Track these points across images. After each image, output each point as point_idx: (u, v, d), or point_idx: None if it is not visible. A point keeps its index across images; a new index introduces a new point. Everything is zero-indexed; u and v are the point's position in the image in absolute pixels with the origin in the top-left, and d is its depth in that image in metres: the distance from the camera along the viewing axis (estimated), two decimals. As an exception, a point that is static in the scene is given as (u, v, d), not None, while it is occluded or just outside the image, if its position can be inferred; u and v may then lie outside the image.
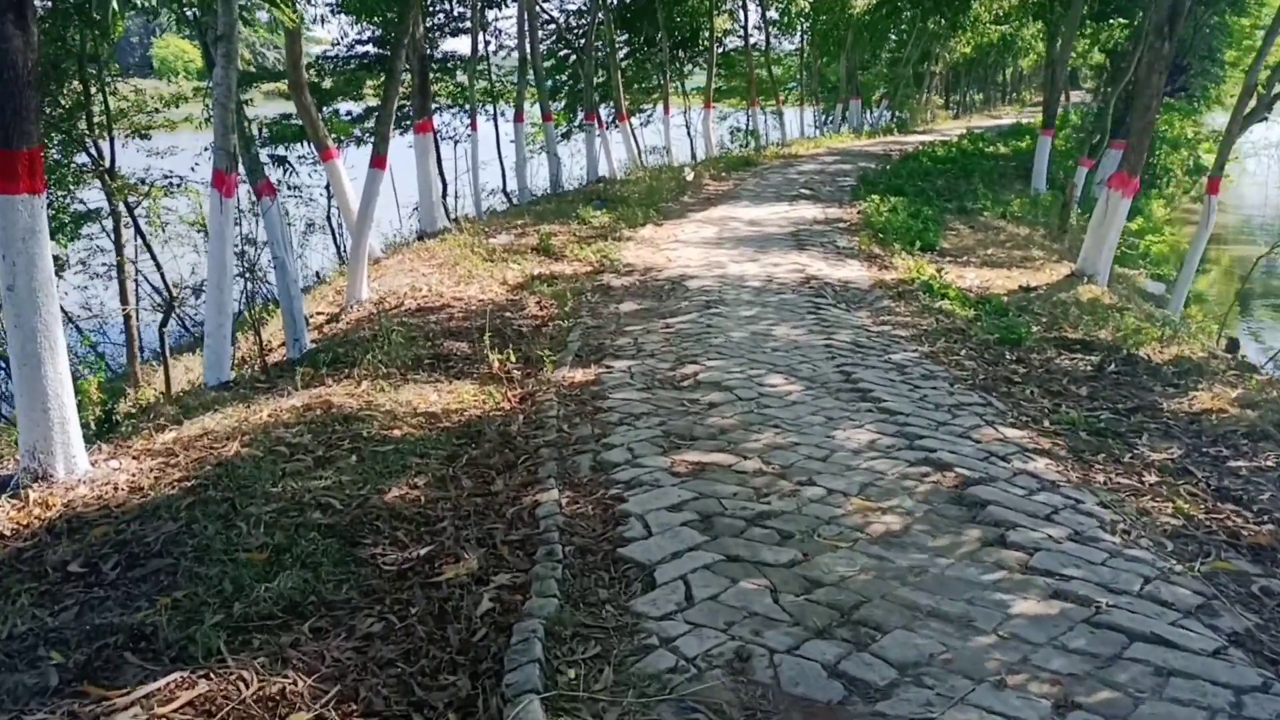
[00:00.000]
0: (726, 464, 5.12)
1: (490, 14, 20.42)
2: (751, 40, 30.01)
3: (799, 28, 30.51)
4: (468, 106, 18.54)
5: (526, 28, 17.39)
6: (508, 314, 9.05)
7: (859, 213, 15.22)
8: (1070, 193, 15.43)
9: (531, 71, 17.66)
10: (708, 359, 7.24)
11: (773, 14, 30.53)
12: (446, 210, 14.39)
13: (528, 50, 17.46)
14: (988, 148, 26.47)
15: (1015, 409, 6.32)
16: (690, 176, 19.33)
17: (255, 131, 7.81)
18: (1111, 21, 16.23)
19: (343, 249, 17.01)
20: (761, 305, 9.11)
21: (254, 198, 8.29)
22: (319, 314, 10.09)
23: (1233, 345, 8.99)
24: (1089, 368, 7.47)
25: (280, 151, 15.78)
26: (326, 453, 5.24)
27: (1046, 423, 6.07)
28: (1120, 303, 10.53)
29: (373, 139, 9.72)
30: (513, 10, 22.28)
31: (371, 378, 6.78)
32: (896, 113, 39.76)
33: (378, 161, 9.73)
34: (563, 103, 25.79)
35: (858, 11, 28.92)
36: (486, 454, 5.42)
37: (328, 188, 15.62)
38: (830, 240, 12.76)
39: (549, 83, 21.86)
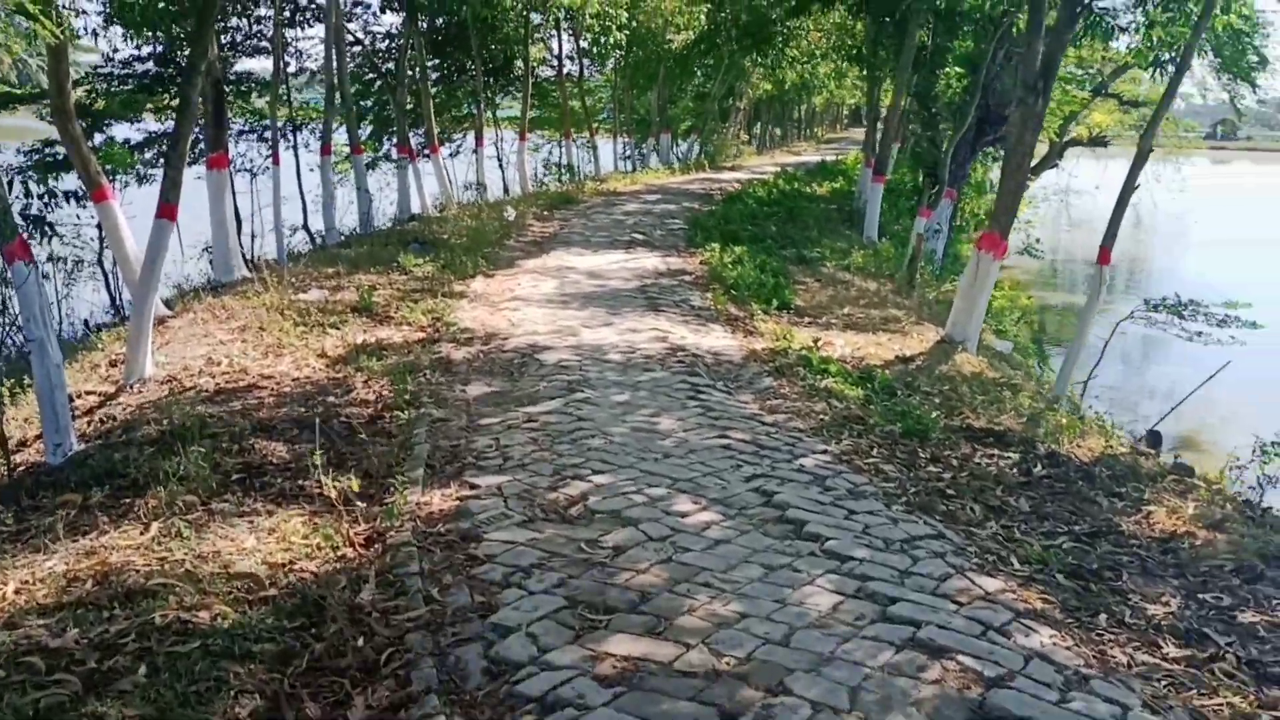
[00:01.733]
0: (665, 659, 3.86)
1: (291, 33, 18.61)
2: (565, 69, 28.93)
3: (612, 59, 29.64)
4: (267, 135, 16.66)
5: (334, 50, 15.69)
6: (332, 399, 7.52)
7: (701, 263, 14.30)
8: (917, 246, 14.95)
9: (339, 98, 15.94)
10: (592, 471, 5.97)
11: (585, 44, 29.50)
12: (244, 255, 12.56)
13: (335, 75, 15.75)
14: (805, 188, 26.20)
15: (969, 539, 5.33)
16: (513, 216, 17.98)
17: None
18: (947, 70, 15.99)
19: (118, 298, 14.85)
20: (633, 388, 7.90)
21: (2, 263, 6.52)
22: (89, 393, 8.23)
23: (1154, 439, 8.39)
24: (1013, 470, 6.61)
25: (37, 201, 13.36)
26: (102, 663, 3.70)
27: (1014, 560, 5.09)
28: (1004, 376, 9.85)
29: (160, 181, 7.98)
30: (316, 30, 20.55)
31: (163, 511, 5.20)
32: (705, 147, 39.54)
33: (166, 210, 8.03)
34: (368, 130, 24.02)
35: (675, 46, 28.32)
36: (333, 648, 3.98)
37: (100, 226, 13.51)
38: (683, 298, 11.71)
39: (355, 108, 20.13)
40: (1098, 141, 30.04)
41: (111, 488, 5.75)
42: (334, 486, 5.47)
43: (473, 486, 5.73)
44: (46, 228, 7.81)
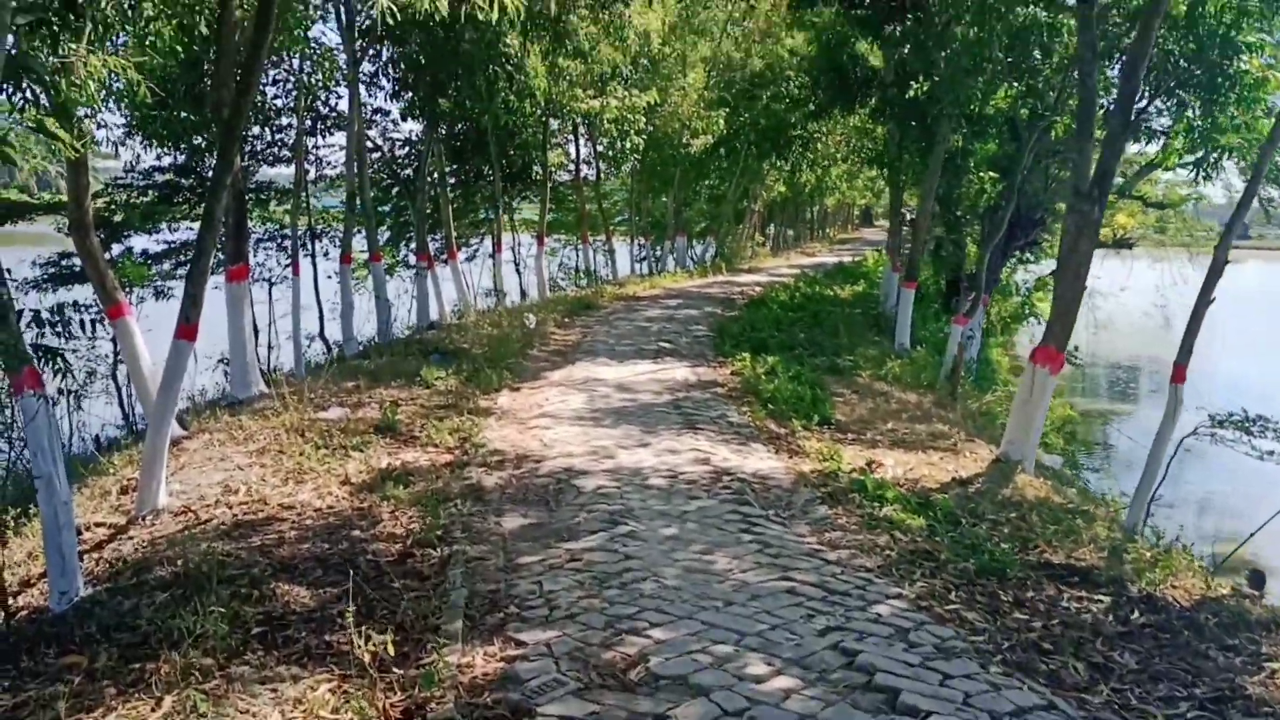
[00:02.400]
0: None
1: (311, 140, 18.49)
2: (582, 173, 28.89)
3: (629, 163, 29.59)
4: (285, 243, 16.41)
5: (355, 158, 15.48)
6: (357, 533, 6.98)
7: (733, 373, 13.84)
8: (958, 356, 14.47)
9: (359, 205, 15.68)
10: (649, 624, 5.40)
11: (602, 148, 29.52)
12: (261, 369, 12.13)
13: (355, 182, 15.51)
14: (827, 291, 25.88)
15: (1082, 708, 4.73)
16: (534, 324, 17.60)
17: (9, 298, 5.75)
18: (980, 174, 15.73)
19: (130, 413, 14.40)
20: (680, 519, 7.34)
21: (10, 392, 6.06)
22: (98, 526, 7.69)
23: (1257, 579, 7.77)
24: (1108, 617, 6.00)
25: (49, 330, 12.94)
26: None
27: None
28: (1070, 501, 9.27)
29: (180, 298, 7.55)
30: (336, 138, 20.46)
31: (177, 681, 4.63)
32: (720, 249, 39.44)
33: (185, 331, 7.58)
34: (384, 236, 23.82)
35: (694, 150, 28.28)
36: None
37: (115, 341, 13.12)
38: (719, 414, 11.19)
39: (373, 215, 19.93)
40: (1122, 243, 29.80)
41: (120, 646, 5.20)
42: (367, 650, 4.88)
43: (519, 644, 5.15)
44: (59, 359, 7.39)
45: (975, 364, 17.81)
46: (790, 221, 61.77)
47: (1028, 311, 27.37)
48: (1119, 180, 24.55)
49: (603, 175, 31.52)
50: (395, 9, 8.49)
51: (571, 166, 29.29)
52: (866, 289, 26.97)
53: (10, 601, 6.44)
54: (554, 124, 25.10)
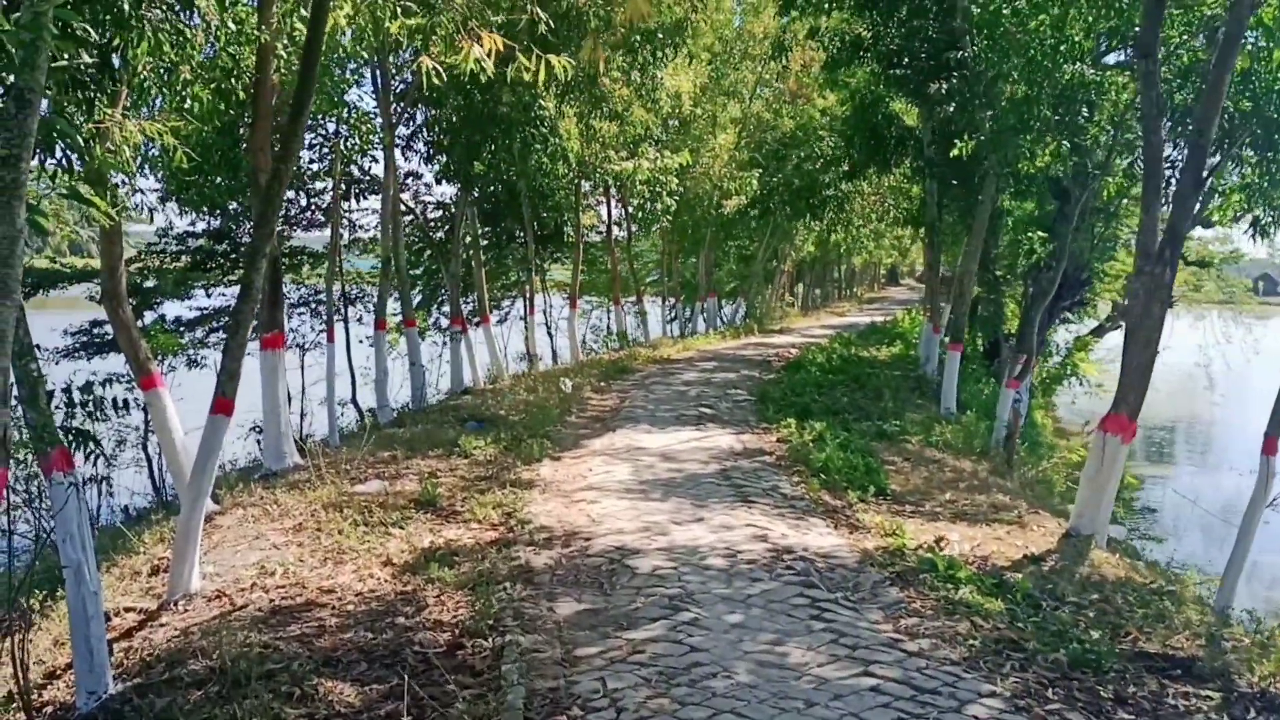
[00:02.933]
0: None
1: (345, 204, 18.32)
2: (614, 234, 28.71)
3: (660, 224, 29.40)
4: (319, 309, 16.18)
5: (390, 222, 15.26)
6: (402, 621, 6.55)
7: (779, 440, 13.39)
8: (1014, 423, 13.97)
9: (394, 270, 15.43)
10: (727, 730, 4.94)
11: (633, 209, 29.40)
12: (296, 439, 11.79)
13: (389, 247, 15.28)
14: (863, 352, 25.40)
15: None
16: (570, 388, 17.25)
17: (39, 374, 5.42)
18: (1031, 235, 15.36)
19: (162, 486, 14.07)
20: (744, 604, 6.88)
21: (40, 474, 5.71)
22: (128, 610, 7.30)
23: None
24: (1221, 716, 5.50)
25: (81, 411, 12.65)
26: None
27: None
28: (1153, 579, 8.74)
29: (217, 373, 7.21)
30: (369, 201, 20.33)
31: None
32: (751, 309, 39.15)
33: (221, 405, 7.24)
34: (416, 299, 23.63)
35: (729, 210, 28.09)
36: None
37: (146, 410, 12.82)
38: (771, 485, 10.73)
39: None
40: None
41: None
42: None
43: (587, 754, 4.70)
44: (91, 443, 7.06)
45: (1023, 428, 17.24)
46: (818, 281, 61.55)
47: (1069, 372, 26.83)
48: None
49: (634, 236, 31.36)
50: (440, 70, 8.22)
51: (603, 228, 29.15)
52: (903, 350, 26.45)
53: (36, 697, 6.05)
54: (585, 185, 24.98)
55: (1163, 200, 9.92)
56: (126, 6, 5.63)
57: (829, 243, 45.91)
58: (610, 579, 7.43)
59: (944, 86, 15.18)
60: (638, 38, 15.29)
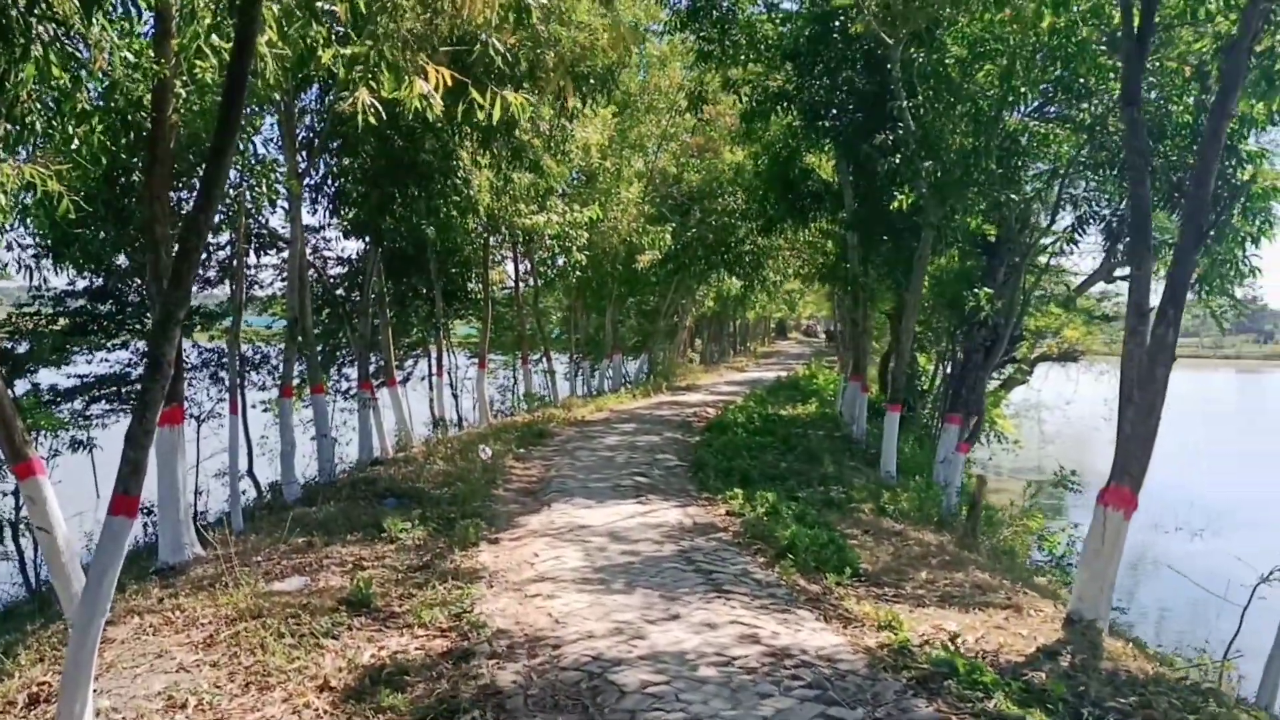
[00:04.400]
0: None
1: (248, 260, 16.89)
2: (521, 290, 27.64)
3: (568, 280, 28.47)
4: (219, 374, 14.69)
5: (298, 280, 13.93)
6: (354, 771, 5.34)
7: (729, 514, 12.44)
8: (978, 492, 13.24)
9: (301, 333, 14.07)
10: None
11: (541, 264, 28.40)
12: (197, 526, 10.35)
13: (297, 308, 13.93)
14: (782, 411, 24.73)
15: None
16: (488, 457, 16.03)
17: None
18: (979, 292, 14.82)
19: (34, 577, 12.38)
20: (763, 731, 5.84)
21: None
22: (2, 762, 5.91)
23: None
24: None
25: None
26: None
27: None
28: (1184, 673, 7.98)
29: (119, 465, 5.93)
30: (265, 258, 18.91)
31: None
32: (655, 366, 38.39)
33: (123, 505, 5.95)
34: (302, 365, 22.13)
35: (642, 267, 27.27)
36: None
37: (15, 494, 11.21)
38: (739, 568, 9.73)
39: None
40: (1068, 356, 29.35)
41: None
42: None
43: None
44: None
45: (953, 487, 16.62)
46: (715, 336, 61.27)
47: (987, 429, 26.54)
48: (1061, 289, 24.18)
49: (540, 293, 30.34)
50: (379, 107, 7.14)
51: (508, 283, 28.07)
52: (820, 409, 25.86)
53: None
54: (493, 240, 23.92)
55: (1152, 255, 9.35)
56: (14, 14, 4.44)
57: (729, 298, 45.63)
58: (595, 700, 6.31)
59: (889, 137, 14.62)
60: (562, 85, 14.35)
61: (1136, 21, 9.14)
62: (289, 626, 7.52)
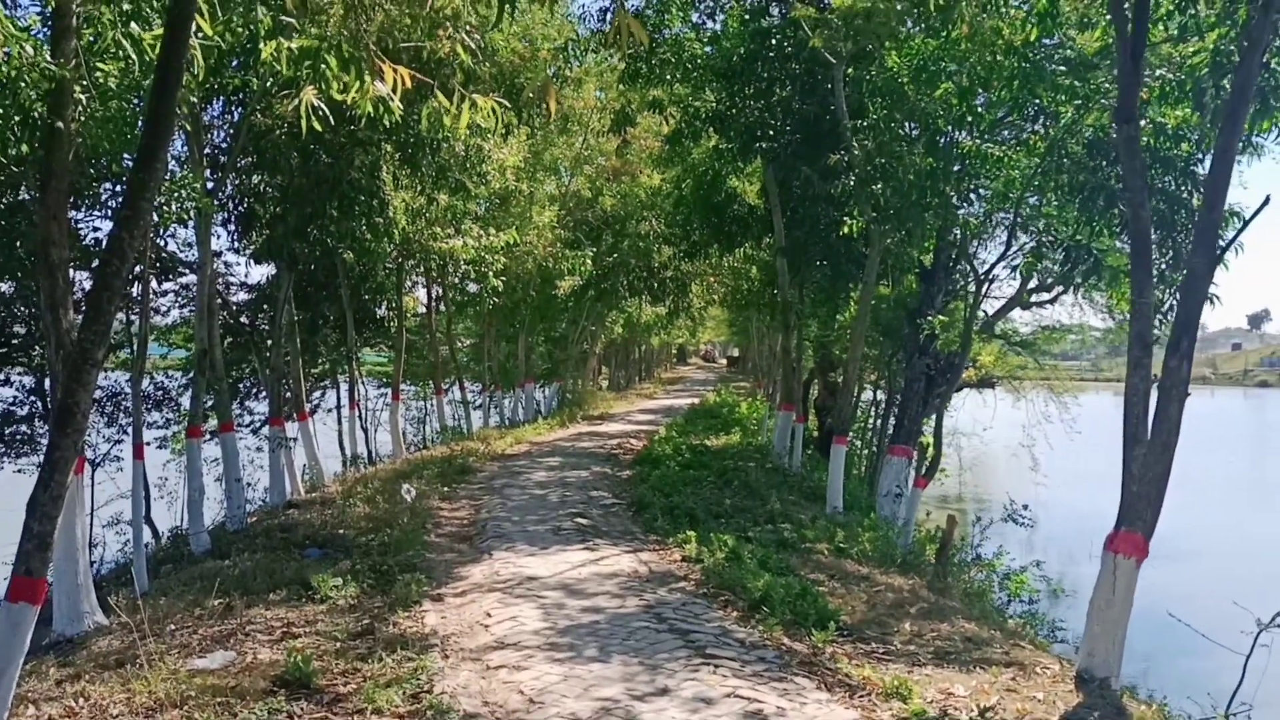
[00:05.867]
0: None
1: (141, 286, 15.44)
2: (434, 318, 26.46)
3: (484, 306, 27.36)
4: (116, 414, 13.27)
5: (206, 308, 12.67)
6: None
7: (684, 559, 11.58)
8: (948, 532, 12.58)
9: (211, 365, 12.81)
10: None
11: (454, 290, 27.27)
12: (98, 589, 9.08)
13: (205, 339, 12.67)
14: (708, 442, 23.97)
15: None
16: (411, 497, 14.90)
17: None
18: (934, 320, 14.25)
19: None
20: (806, 842, 4.96)
21: None
22: None
23: None
24: None
25: None
26: None
27: None
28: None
29: (19, 544, 4.82)
30: (168, 283, 17.48)
31: None
32: (567, 395, 37.46)
33: (23, 588, 4.86)
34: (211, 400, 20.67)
35: (562, 293, 26.35)
36: None
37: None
38: (716, 625, 8.85)
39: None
40: (985, 383, 29.30)
41: None
42: None
43: None
44: None
45: (906, 523, 16.03)
46: (622, 363, 60.60)
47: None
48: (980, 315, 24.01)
49: (453, 320, 29.19)
50: (326, 111, 6.14)
51: (421, 310, 26.89)
52: (744, 439, 25.16)
53: None
54: (407, 265, 22.77)
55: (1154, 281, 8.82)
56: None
57: (639, 325, 45.01)
58: (598, 805, 5.36)
59: (840, 159, 14.02)
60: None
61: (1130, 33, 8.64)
62: (217, 716, 6.40)
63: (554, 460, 20.83)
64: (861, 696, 7.23)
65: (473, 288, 27.49)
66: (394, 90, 6.25)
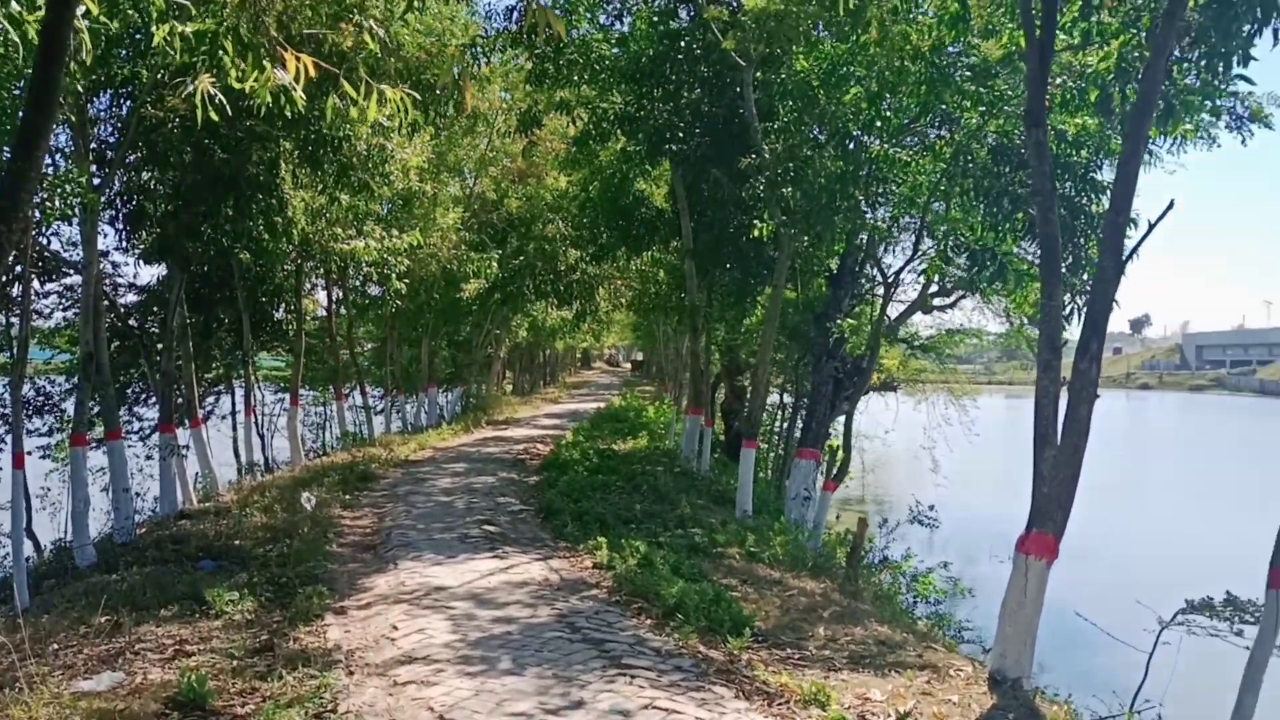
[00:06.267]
0: None
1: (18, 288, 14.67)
2: (334, 321, 25.82)
3: (388, 308, 26.79)
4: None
5: (92, 309, 12.06)
6: None
7: (595, 566, 11.37)
8: (859, 535, 12.56)
9: (96, 370, 12.19)
10: None
11: (355, 293, 26.66)
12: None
13: (91, 342, 12.06)
14: (615, 446, 23.81)
15: None
16: (312, 505, 14.45)
17: None
18: (843, 324, 14.25)
19: None
20: None
21: None
22: None
23: None
24: None
25: None
26: None
27: None
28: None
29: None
30: (50, 285, 16.69)
31: None
32: (471, 399, 36.95)
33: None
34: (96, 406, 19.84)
35: (467, 296, 25.90)
36: None
37: None
38: (631, 634, 8.66)
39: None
40: (887, 386, 29.66)
41: None
42: None
43: None
44: None
45: (814, 526, 16.06)
46: (526, 367, 60.11)
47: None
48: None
49: (355, 323, 28.54)
50: (223, 100, 5.80)
51: (321, 313, 26.22)
52: (651, 443, 25.05)
53: None
54: (307, 266, 22.15)
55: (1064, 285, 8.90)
56: None
57: (544, 329, 44.67)
58: (515, 828, 5.13)
59: (752, 161, 13.95)
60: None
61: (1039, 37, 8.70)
62: (108, 745, 6.01)
63: (459, 466, 20.45)
64: (780, 704, 7.12)
65: (375, 290, 26.95)
66: (297, 80, 5.93)
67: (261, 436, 24.00)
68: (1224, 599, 9.71)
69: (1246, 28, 8.15)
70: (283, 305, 22.15)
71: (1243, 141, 13.52)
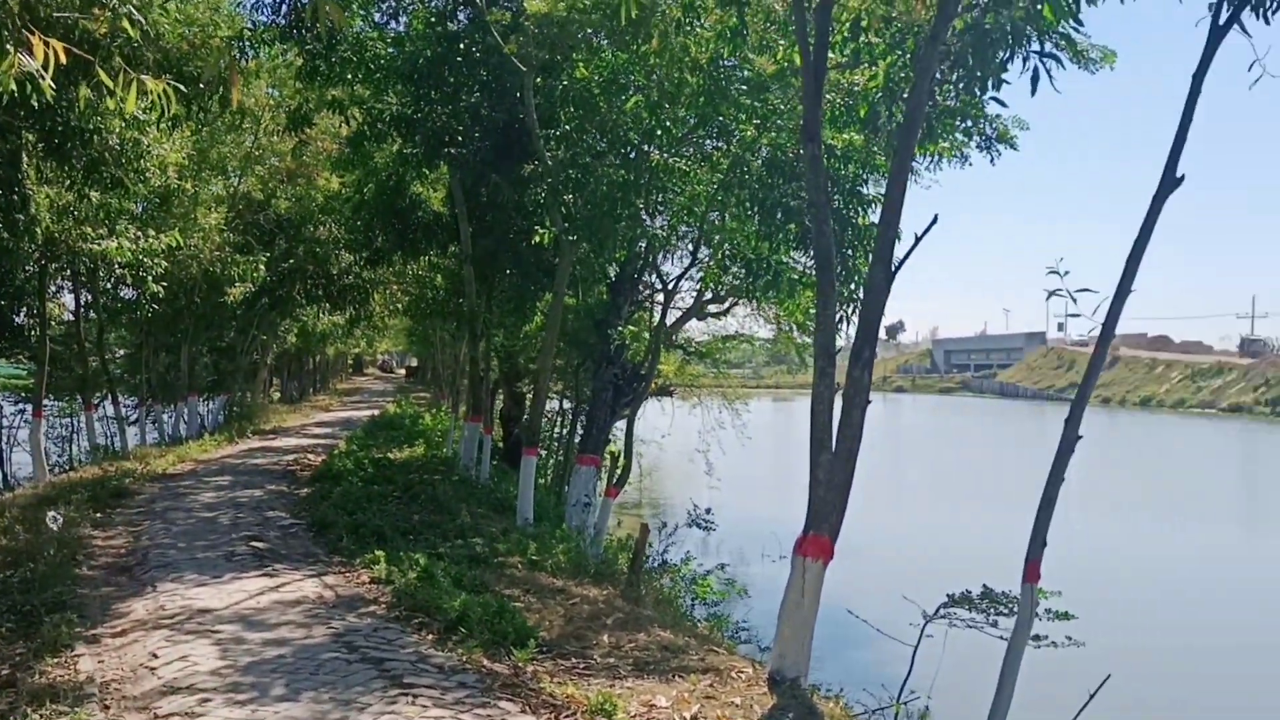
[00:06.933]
0: None
1: None
2: (83, 326, 24.11)
3: (144, 313, 25.18)
4: None
5: None
6: None
7: (374, 581, 11.00)
8: (641, 540, 12.58)
9: None
10: None
11: (107, 297, 24.95)
12: None
13: None
14: (390, 455, 23.20)
15: None
16: (58, 525, 13.38)
17: None
18: (623, 331, 14.29)
19: None
20: None
21: None
22: None
23: None
24: None
25: None
26: None
27: None
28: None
29: None
30: None
31: None
32: (236, 408, 35.27)
33: None
34: None
35: (232, 300, 24.62)
36: None
37: None
38: (412, 651, 8.39)
39: None
40: (663, 391, 30.16)
41: None
42: None
43: None
44: None
45: (596, 533, 16.10)
46: (296, 374, 57.95)
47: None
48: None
49: (106, 329, 26.71)
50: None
51: (68, 318, 24.41)
52: (428, 450, 24.57)
53: None
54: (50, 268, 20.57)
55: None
56: None
57: (314, 334, 43.22)
58: None
59: (534, 168, 13.84)
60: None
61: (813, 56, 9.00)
62: None
63: (223, 479, 19.45)
64: (567, 716, 7.05)
65: (129, 294, 25.31)
66: (45, 67, 5.44)
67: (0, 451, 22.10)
68: (980, 592, 10.30)
69: (1001, 54, 8.66)
70: (24, 309, 20.49)
71: (991, 161, 14.45)
